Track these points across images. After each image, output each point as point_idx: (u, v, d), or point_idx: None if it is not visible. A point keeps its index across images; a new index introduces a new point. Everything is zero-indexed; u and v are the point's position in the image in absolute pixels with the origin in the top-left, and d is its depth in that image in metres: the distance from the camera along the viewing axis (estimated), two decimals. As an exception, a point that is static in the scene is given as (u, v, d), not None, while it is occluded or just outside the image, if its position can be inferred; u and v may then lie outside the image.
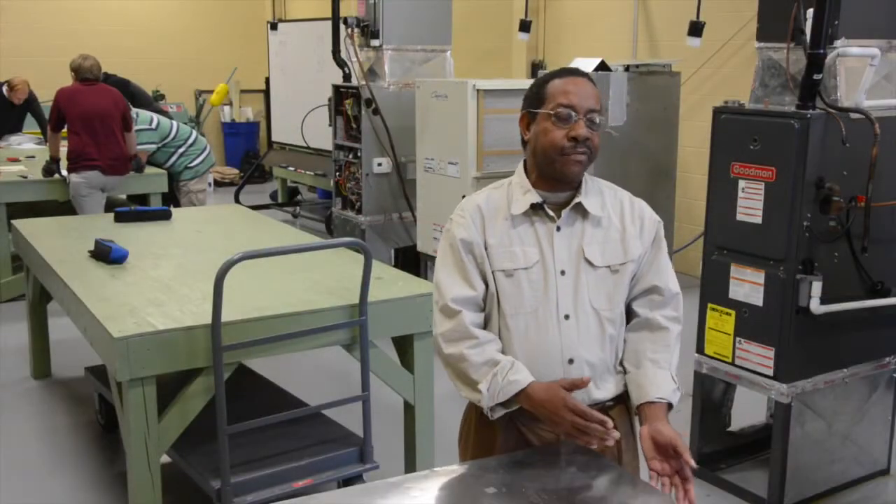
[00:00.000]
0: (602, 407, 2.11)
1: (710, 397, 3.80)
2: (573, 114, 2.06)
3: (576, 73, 2.15)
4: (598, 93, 2.13)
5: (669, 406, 2.09)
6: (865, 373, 3.59)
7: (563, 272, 2.10)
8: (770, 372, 3.39)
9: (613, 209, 2.17)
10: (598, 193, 2.17)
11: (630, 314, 2.19)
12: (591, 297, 2.10)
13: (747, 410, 4.07)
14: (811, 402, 3.45)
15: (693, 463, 1.99)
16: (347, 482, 3.25)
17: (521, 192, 2.14)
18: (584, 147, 2.06)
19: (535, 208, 2.12)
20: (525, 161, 2.20)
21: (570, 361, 2.09)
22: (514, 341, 2.10)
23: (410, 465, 3.58)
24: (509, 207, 2.13)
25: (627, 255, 2.14)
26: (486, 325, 2.16)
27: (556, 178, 2.11)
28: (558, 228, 2.11)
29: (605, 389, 2.13)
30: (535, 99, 2.14)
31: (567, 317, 2.09)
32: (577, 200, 2.11)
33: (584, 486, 1.99)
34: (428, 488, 2.03)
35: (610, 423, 1.96)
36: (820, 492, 3.59)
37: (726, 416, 3.90)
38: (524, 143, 2.19)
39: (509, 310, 2.11)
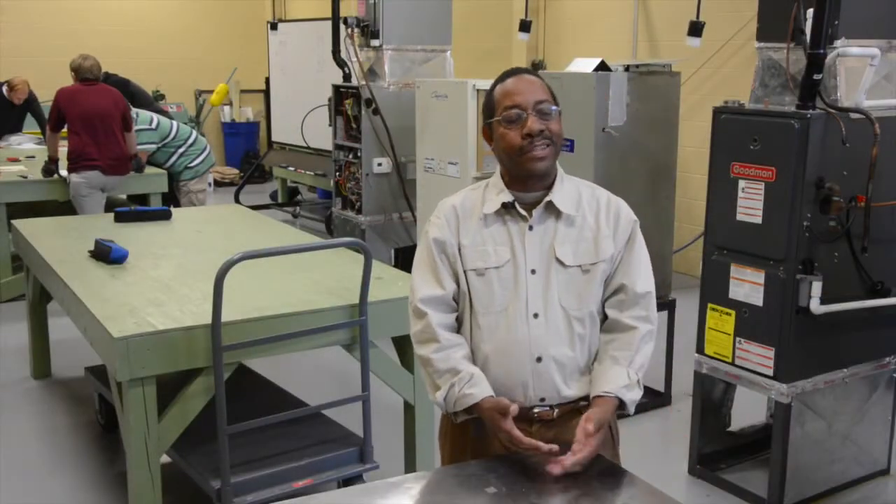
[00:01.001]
0: (574, 406, 2.14)
1: (710, 397, 3.81)
2: (521, 112, 2.08)
3: (515, 72, 2.17)
4: (542, 83, 2.14)
5: (621, 402, 2.09)
6: (865, 373, 3.59)
7: (533, 271, 2.12)
8: (770, 372, 3.39)
9: (589, 208, 2.17)
10: (573, 192, 2.18)
11: (604, 315, 2.20)
12: (561, 296, 2.12)
13: (747, 410, 4.07)
14: (811, 402, 3.45)
15: (588, 431, 1.99)
16: (347, 482, 3.25)
17: (494, 192, 2.17)
18: (542, 139, 2.08)
19: (507, 207, 2.14)
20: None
21: (539, 359, 2.11)
22: (485, 339, 2.13)
23: (410, 465, 3.58)
24: (482, 207, 2.16)
25: (599, 254, 2.14)
26: (459, 325, 2.19)
27: (526, 176, 2.12)
28: (530, 227, 2.13)
29: (575, 388, 2.15)
30: (487, 109, 2.18)
31: (536, 315, 2.11)
32: (547, 199, 2.13)
33: (585, 486, 1.98)
34: (428, 488, 2.03)
35: (545, 447, 1.98)
36: (820, 492, 3.59)
37: (726, 416, 3.90)
38: (495, 152, 2.21)
39: (480, 308, 2.14)
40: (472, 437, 2.19)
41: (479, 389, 2.08)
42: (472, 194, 2.22)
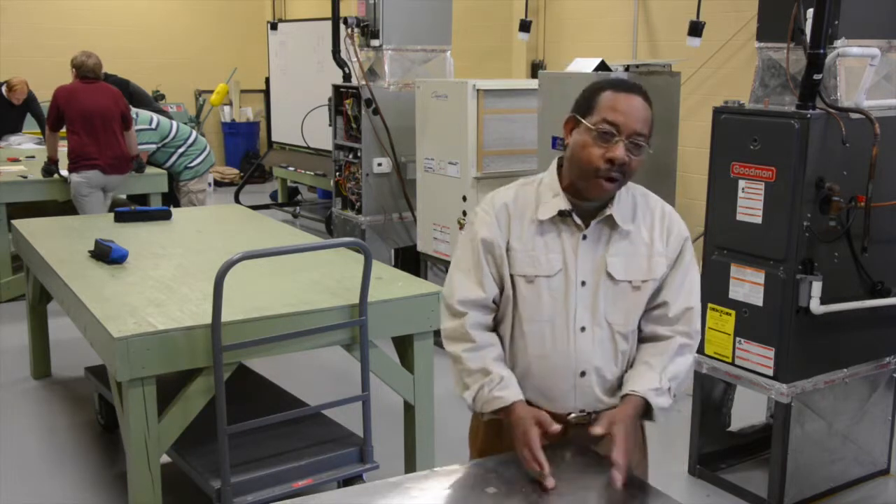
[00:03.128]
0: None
1: (710, 397, 3.80)
2: (615, 134, 1.97)
3: (631, 88, 2.03)
4: (649, 114, 2.02)
5: (647, 405, 2.04)
6: (865, 373, 3.59)
7: (583, 283, 2.05)
8: (770, 372, 3.39)
9: (644, 221, 2.10)
10: (629, 203, 2.10)
11: (640, 330, 2.14)
12: (608, 311, 2.06)
13: (747, 410, 4.07)
14: (811, 402, 3.45)
15: (618, 459, 1.92)
16: (347, 482, 3.25)
17: (550, 194, 2.08)
18: (618, 171, 1.99)
19: (563, 215, 2.06)
20: (560, 160, 2.12)
21: (582, 374, 2.07)
22: (529, 348, 2.08)
23: (410, 465, 3.58)
24: (537, 210, 2.07)
25: (651, 272, 2.08)
26: (498, 327, 2.14)
27: (584, 193, 2.05)
28: (584, 237, 2.05)
29: (615, 398, 2.11)
30: (583, 105, 2.04)
31: (583, 329, 2.05)
32: (608, 213, 2.05)
33: (585, 486, 1.98)
34: (428, 488, 2.03)
35: (546, 470, 1.93)
36: (820, 492, 3.59)
37: (726, 416, 3.90)
38: (564, 145, 2.10)
39: (526, 315, 2.07)
40: (504, 437, 2.14)
41: (509, 392, 2.04)
42: (524, 191, 2.12)
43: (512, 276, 2.08)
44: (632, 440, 2.00)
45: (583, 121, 2.01)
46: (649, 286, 2.08)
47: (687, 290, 2.12)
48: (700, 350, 3.67)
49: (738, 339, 3.50)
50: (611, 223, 2.06)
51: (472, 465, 2.10)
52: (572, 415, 2.10)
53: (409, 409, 3.54)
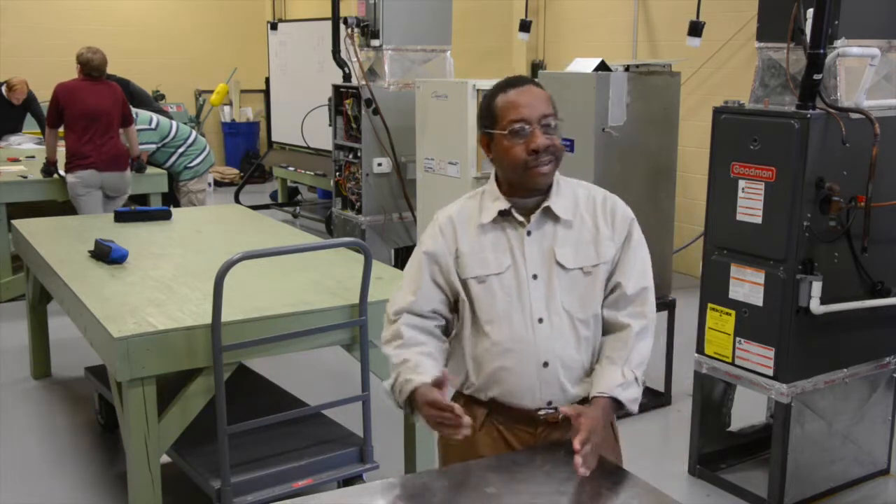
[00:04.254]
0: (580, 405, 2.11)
1: (710, 397, 3.80)
2: (526, 126, 2.04)
3: (519, 82, 2.12)
4: (547, 95, 2.10)
5: (616, 402, 2.06)
6: (865, 373, 3.59)
7: (535, 276, 2.10)
8: (770, 372, 3.39)
9: (586, 209, 2.15)
10: (570, 194, 2.16)
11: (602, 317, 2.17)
12: (564, 300, 2.10)
13: (747, 410, 4.07)
14: (811, 402, 3.45)
15: (577, 446, 1.94)
16: (347, 482, 3.26)
17: (490, 200, 2.15)
18: (547, 155, 2.05)
19: (504, 215, 2.12)
20: (496, 173, 2.19)
21: (545, 364, 2.09)
22: (492, 348, 2.11)
23: (410, 465, 3.58)
24: (480, 215, 2.14)
25: (600, 256, 2.12)
26: (453, 333, 2.19)
27: (527, 189, 2.11)
28: (528, 233, 2.11)
29: (580, 388, 2.13)
30: (487, 119, 2.12)
31: (541, 320, 2.09)
32: (545, 205, 2.11)
33: (585, 486, 1.98)
34: (428, 488, 2.03)
35: (459, 410, 1.94)
36: (820, 492, 3.59)
37: (726, 416, 3.90)
38: (491, 160, 2.18)
39: (484, 316, 2.12)
40: (479, 439, 2.15)
41: (418, 376, 2.04)
42: (469, 203, 2.20)
43: (465, 282, 2.13)
44: (598, 434, 2.00)
45: (493, 132, 2.09)
46: (601, 270, 2.12)
47: (640, 270, 2.16)
48: (700, 350, 3.67)
49: (738, 339, 3.50)
50: (552, 216, 2.12)
51: (473, 465, 2.10)
52: (542, 410, 2.12)
53: (409, 409, 3.53)
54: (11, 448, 4.13)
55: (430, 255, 2.16)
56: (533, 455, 2.08)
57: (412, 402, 2.06)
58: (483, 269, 2.11)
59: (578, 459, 1.93)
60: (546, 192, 2.12)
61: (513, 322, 2.09)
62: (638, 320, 2.13)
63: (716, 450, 3.86)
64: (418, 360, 2.09)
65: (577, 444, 1.94)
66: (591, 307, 2.13)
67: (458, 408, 1.95)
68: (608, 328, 2.16)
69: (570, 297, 2.10)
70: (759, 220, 3.37)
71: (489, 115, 2.11)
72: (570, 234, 2.12)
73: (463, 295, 2.14)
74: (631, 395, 2.08)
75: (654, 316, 2.19)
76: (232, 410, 3.00)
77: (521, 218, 2.12)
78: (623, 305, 2.14)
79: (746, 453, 3.92)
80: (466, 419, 1.95)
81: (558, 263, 2.10)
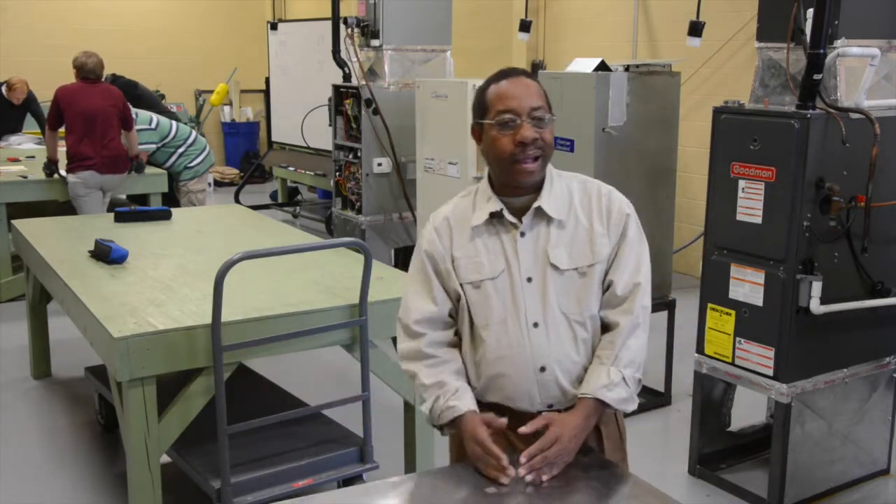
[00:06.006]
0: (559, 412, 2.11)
1: (710, 397, 3.80)
2: (515, 118, 2.02)
3: (511, 73, 2.10)
4: (538, 87, 2.08)
5: (601, 402, 2.04)
6: (865, 373, 3.59)
7: (529, 279, 2.07)
8: (770, 372, 3.39)
9: (581, 206, 2.11)
10: (563, 191, 2.11)
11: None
12: (560, 302, 2.06)
13: (747, 410, 4.08)
14: (811, 402, 3.45)
15: (522, 459, 1.97)
16: (347, 482, 3.25)
17: (483, 199, 2.12)
18: (534, 149, 2.02)
19: (495, 216, 2.09)
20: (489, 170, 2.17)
21: (542, 369, 2.07)
22: (488, 354, 2.09)
23: (410, 465, 3.58)
24: (473, 217, 2.11)
25: (595, 255, 2.08)
26: (460, 339, 2.16)
27: (513, 185, 2.08)
28: (522, 234, 2.08)
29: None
30: (478, 110, 2.11)
31: (536, 325, 2.06)
32: (536, 205, 2.07)
33: (586, 486, 1.98)
34: (428, 488, 2.03)
35: (505, 461, 1.96)
36: (820, 492, 3.59)
37: (726, 416, 3.90)
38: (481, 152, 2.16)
39: (480, 321, 2.10)
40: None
41: (462, 403, 2.05)
42: (462, 202, 2.17)
43: (462, 286, 2.11)
44: (565, 441, 1.99)
45: (483, 122, 2.08)
46: (596, 269, 2.08)
47: (633, 266, 2.11)
48: (700, 350, 3.67)
49: (738, 339, 3.50)
50: (545, 216, 2.08)
51: (473, 466, 2.10)
52: (542, 413, 2.11)
53: (409, 409, 3.54)
54: (11, 448, 4.13)
55: (431, 257, 2.14)
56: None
57: (453, 424, 2.07)
58: (478, 273, 2.09)
59: (522, 471, 1.95)
60: (537, 190, 2.09)
61: (508, 327, 2.07)
62: (626, 317, 2.09)
63: (716, 450, 3.86)
64: (457, 385, 2.08)
65: (523, 458, 1.97)
66: (588, 308, 2.09)
67: (504, 458, 1.97)
68: (603, 327, 2.14)
69: (565, 299, 2.07)
70: (759, 220, 3.37)
71: (481, 105, 2.10)
72: (564, 234, 2.08)
73: (463, 300, 2.12)
74: (617, 396, 2.04)
75: (646, 311, 2.12)
76: (232, 410, 3.00)
77: (513, 219, 2.08)
78: (615, 304, 2.11)
79: (746, 453, 3.92)
80: (510, 470, 1.96)
81: (552, 265, 2.06)
